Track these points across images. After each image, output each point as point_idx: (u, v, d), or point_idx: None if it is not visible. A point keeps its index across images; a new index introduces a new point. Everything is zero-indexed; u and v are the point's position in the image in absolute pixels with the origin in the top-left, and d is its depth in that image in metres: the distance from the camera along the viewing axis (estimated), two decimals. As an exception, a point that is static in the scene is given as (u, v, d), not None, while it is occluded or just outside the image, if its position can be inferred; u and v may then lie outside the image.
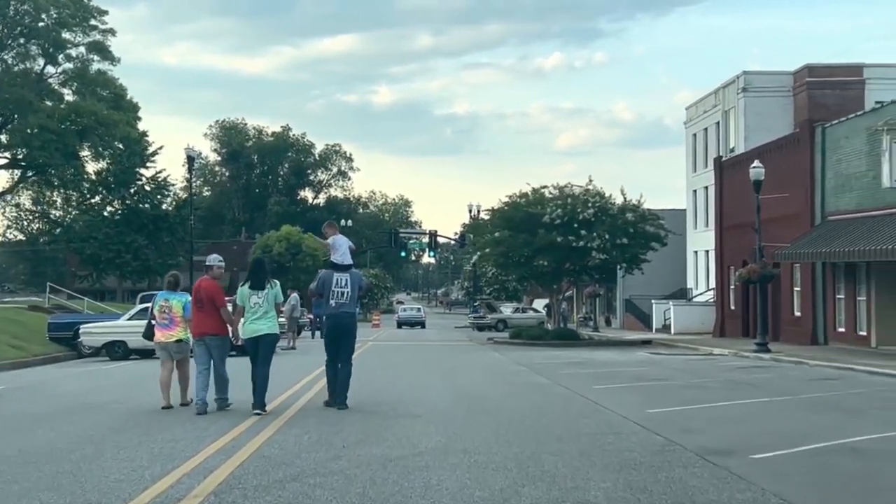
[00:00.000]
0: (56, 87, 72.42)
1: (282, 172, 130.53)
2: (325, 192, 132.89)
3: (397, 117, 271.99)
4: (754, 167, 30.98)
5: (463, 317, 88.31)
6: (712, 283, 47.70)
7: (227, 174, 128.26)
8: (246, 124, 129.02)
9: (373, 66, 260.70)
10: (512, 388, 17.90)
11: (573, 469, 9.11)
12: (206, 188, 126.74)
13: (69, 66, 71.60)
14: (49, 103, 69.56)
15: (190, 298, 14.70)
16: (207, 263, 14.93)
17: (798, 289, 35.56)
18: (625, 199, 39.92)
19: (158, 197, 72.11)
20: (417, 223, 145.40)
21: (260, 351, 13.94)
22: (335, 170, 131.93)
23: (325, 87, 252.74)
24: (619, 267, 42.30)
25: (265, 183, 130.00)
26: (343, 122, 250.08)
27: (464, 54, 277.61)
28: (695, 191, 54.33)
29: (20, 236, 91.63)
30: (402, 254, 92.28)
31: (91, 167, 72.65)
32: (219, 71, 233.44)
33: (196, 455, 9.94)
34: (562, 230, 37.80)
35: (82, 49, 71.23)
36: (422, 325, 74.25)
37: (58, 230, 75.21)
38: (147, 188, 71.55)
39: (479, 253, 42.86)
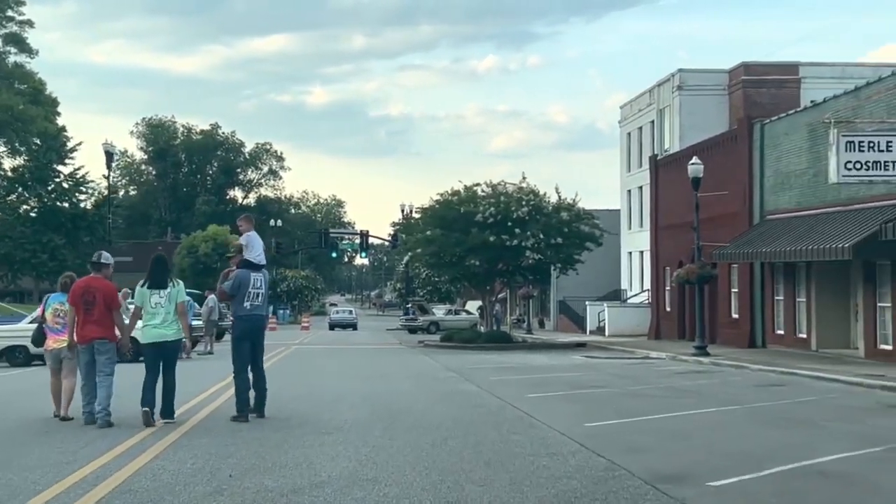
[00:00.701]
0: (-31, 80, 69.32)
1: (210, 171, 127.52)
2: (256, 192, 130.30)
3: (332, 118, 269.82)
4: (693, 164, 29.92)
5: (396, 318, 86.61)
6: (647, 285, 46.78)
7: (153, 173, 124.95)
8: (174, 122, 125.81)
9: (306, 66, 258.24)
10: (439, 398, 16.39)
11: None
12: (132, 187, 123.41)
13: (-18, 58, 68.64)
14: (-39, 96, 66.49)
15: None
16: (102, 261, 13.21)
17: (736, 290, 34.63)
18: (559, 197, 38.77)
19: (77, 195, 69.31)
20: (350, 224, 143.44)
21: (165, 358, 12.80)
22: (266, 169, 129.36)
23: (258, 86, 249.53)
24: (553, 267, 41.11)
25: (193, 182, 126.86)
26: (276, 123, 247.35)
27: (398, 56, 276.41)
28: (629, 191, 53.43)
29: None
30: (333, 254, 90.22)
31: (7, 163, 69.71)
32: (149, 70, 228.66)
33: (47, 490, 8.24)
34: (495, 229, 36.48)
35: (-2, 40, 68.31)
36: (354, 327, 72.71)
37: (-30, 229, 71.91)
38: (65, 185, 68.74)
39: (410, 253, 41.31)
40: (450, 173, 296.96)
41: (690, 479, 8.68)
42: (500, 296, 66.55)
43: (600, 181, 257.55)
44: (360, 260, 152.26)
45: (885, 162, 20.39)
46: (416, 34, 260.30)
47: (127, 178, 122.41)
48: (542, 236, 36.58)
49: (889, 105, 24.34)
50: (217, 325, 42.92)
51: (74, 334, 12.80)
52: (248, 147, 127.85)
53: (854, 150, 20.35)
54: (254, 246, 13.48)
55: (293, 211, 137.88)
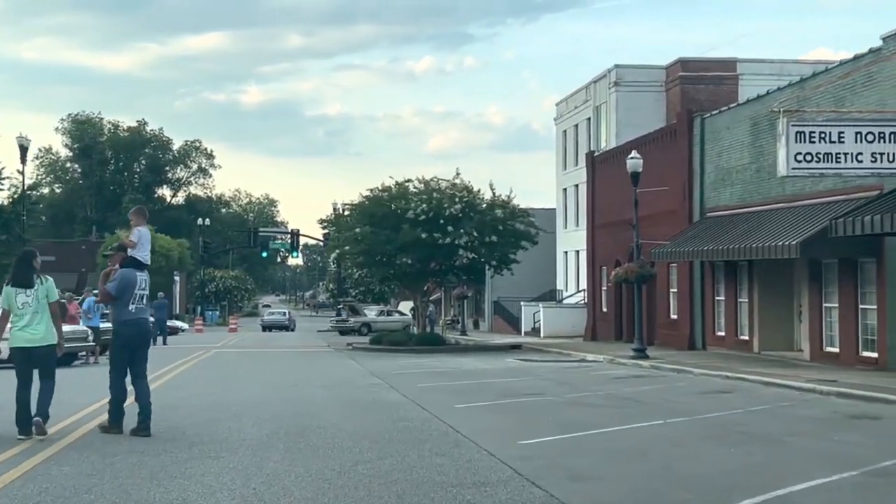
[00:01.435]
0: None
1: (138, 169, 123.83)
2: (185, 191, 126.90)
3: (267, 117, 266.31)
4: (632, 158, 28.66)
5: (329, 319, 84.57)
6: (583, 285, 45.54)
7: (79, 170, 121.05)
8: (101, 119, 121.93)
9: (242, 65, 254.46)
10: (357, 410, 14.72)
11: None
12: (56, 185, 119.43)
13: None
14: None
15: None
16: None
17: (675, 290, 33.47)
18: (494, 194, 37.30)
19: (-8, 192, 66.06)
20: (284, 223, 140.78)
21: (38, 365, 11.34)
22: (195, 167, 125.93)
23: (193, 85, 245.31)
24: (487, 267, 39.62)
25: (120, 180, 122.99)
26: (211, 122, 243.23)
27: (335, 55, 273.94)
28: (565, 189, 52.23)
29: None
30: (263, 254, 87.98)
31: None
32: (80, 67, 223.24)
33: None
34: (427, 227, 34.88)
35: None
36: (287, 328, 70.75)
37: None
38: (-22, 181, 65.45)
39: (337, 251, 39.47)
40: (387, 173, 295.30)
41: (645, 517, 7.18)
42: (434, 296, 65.19)
43: (536, 183, 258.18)
44: (294, 260, 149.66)
45: (836, 154, 19.16)
46: (353, 34, 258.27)
47: (52, 175, 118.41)
48: (475, 234, 35.12)
49: (836, 96, 23.25)
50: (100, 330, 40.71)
51: None
52: (177, 144, 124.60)
53: (804, 141, 19.09)
54: (144, 242, 12.02)
55: (224, 210, 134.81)
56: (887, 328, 21.63)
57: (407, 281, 39.76)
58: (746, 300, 28.70)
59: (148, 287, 11.95)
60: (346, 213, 38.82)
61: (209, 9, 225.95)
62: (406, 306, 67.34)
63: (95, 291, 18.76)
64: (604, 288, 40.10)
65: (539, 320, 47.06)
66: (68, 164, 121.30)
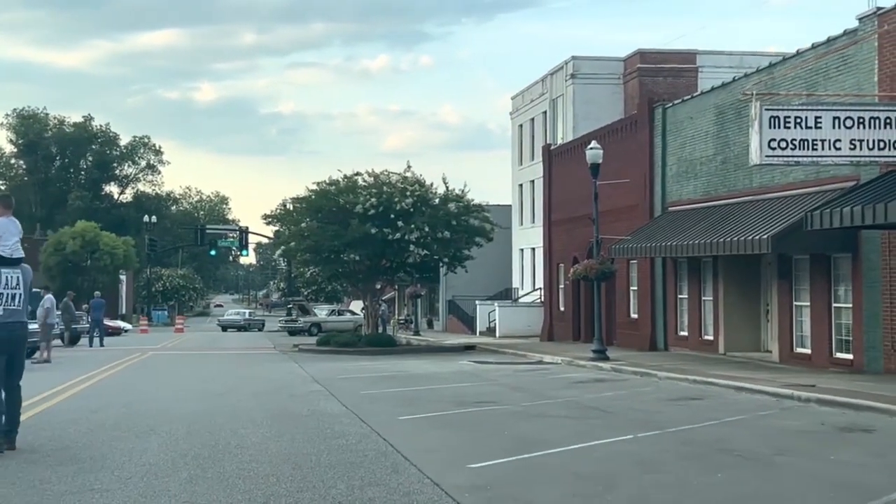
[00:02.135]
0: None
1: (84, 166, 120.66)
2: (133, 188, 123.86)
3: (221, 115, 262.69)
4: (591, 149, 27.17)
5: (278, 320, 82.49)
6: (539, 283, 44.07)
7: (23, 167, 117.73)
8: (47, 114, 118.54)
9: (195, 62, 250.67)
10: (287, 424, 12.98)
11: None
12: (0, 181, 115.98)
13: None
14: None
15: None
16: None
17: (635, 288, 32.07)
18: (447, 189, 35.65)
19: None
20: (235, 221, 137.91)
21: None
22: (144, 163, 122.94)
23: (145, 82, 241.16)
24: (441, 264, 37.96)
25: (66, 177, 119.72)
26: (164, 119, 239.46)
27: (289, 53, 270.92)
28: (521, 185, 50.75)
29: None
30: (212, 252, 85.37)
31: None
32: (29, 63, 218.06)
33: None
34: (376, 222, 33.17)
35: None
36: (245, 329, 69.13)
37: None
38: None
39: (283, 247, 37.58)
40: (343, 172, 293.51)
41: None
42: (387, 296, 63.37)
43: (491, 182, 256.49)
44: (245, 259, 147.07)
45: (813, 140, 17.72)
46: (307, 32, 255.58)
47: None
48: (427, 230, 33.43)
49: (809, 82, 21.90)
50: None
51: None
52: (125, 140, 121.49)
53: (779, 127, 17.63)
54: (8, 234, 10.25)
55: (174, 208, 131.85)
56: (863, 328, 20.31)
57: (356, 279, 38.06)
58: (711, 298, 27.33)
59: (22, 285, 10.18)
60: (292, 207, 36.90)
61: (163, 5, 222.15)
62: (358, 306, 65.50)
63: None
64: (561, 286, 38.65)
65: (494, 320, 45.57)
66: (13, 161, 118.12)
